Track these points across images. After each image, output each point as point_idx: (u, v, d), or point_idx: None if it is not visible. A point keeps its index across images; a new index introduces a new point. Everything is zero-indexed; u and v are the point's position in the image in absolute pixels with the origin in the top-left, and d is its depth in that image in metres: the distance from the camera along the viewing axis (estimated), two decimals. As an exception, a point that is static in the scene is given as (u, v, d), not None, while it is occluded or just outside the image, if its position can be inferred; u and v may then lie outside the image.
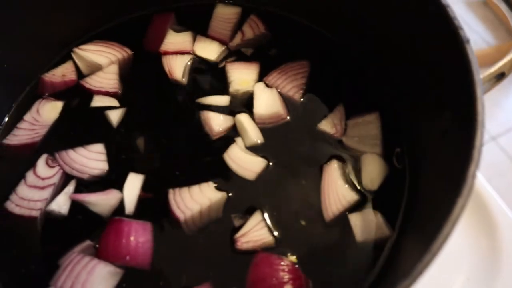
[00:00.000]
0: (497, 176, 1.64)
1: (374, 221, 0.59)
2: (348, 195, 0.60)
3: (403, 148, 0.65)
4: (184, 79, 0.72)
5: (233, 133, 0.67)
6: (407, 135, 0.65)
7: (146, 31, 0.76)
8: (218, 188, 0.61)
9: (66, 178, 0.62)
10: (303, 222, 0.59)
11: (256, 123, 0.67)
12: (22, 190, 0.61)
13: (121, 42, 0.75)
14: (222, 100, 0.70)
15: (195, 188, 0.60)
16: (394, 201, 0.61)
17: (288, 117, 0.68)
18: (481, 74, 0.48)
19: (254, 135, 0.65)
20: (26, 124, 0.68)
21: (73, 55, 0.73)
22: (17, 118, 0.68)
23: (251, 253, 0.56)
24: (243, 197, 0.61)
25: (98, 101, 0.70)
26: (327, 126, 0.67)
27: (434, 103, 0.57)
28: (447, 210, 0.40)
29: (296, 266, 0.55)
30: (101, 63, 0.72)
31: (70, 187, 0.61)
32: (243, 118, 0.67)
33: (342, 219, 0.59)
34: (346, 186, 0.61)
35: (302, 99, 0.70)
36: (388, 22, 0.65)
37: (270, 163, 0.64)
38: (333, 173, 0.62)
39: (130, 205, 0.60)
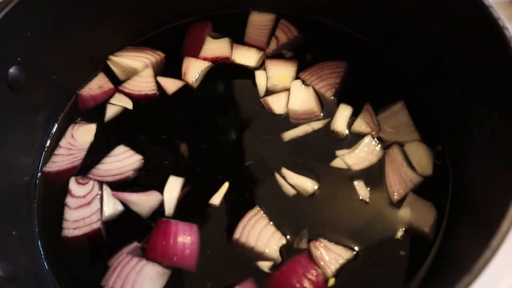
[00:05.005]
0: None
1: (427, 213, 0.59)
2: (414, 177, 0.62)
3: (445, 146, 0.64)
4: (195, 83, 0.73)
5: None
6: (450, 133, 0.64)
7: (183, 40, 0.78)
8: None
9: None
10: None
11: (291, 119, 0.69)
12: (71, 215, 0.61)
13: (159, 50, 0.77)
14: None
15: (269, 227, 0.59)
16: (439, 199, 0.61)
17: (321, 114, 0.69)
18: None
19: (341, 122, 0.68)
20: (63, 150, 0.68)
21: (109, 63, 0.75)
22: (54, 145, 0.69)
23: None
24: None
25: (116, 100, 0.72)
26: (361, 126, 0.67)
27: (480, 102, 0.56)
28: (504, 207, 0.40)
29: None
30: (137, 67, 0.74)
31: (107, 189, 0.63)
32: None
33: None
34: (410, 168, 0.63)
35: (332, 97, 0.70)
36: (425, 26, 0.64)
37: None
38: (396, 157, 0.64)
39: (170, 206, 0.61)
